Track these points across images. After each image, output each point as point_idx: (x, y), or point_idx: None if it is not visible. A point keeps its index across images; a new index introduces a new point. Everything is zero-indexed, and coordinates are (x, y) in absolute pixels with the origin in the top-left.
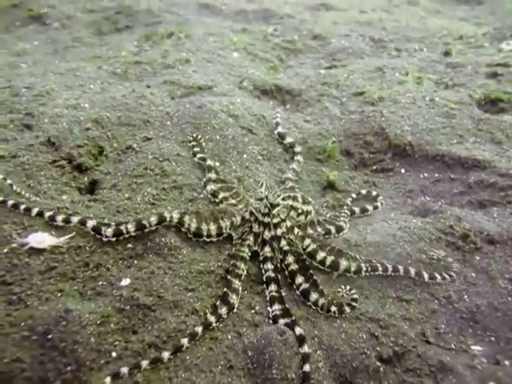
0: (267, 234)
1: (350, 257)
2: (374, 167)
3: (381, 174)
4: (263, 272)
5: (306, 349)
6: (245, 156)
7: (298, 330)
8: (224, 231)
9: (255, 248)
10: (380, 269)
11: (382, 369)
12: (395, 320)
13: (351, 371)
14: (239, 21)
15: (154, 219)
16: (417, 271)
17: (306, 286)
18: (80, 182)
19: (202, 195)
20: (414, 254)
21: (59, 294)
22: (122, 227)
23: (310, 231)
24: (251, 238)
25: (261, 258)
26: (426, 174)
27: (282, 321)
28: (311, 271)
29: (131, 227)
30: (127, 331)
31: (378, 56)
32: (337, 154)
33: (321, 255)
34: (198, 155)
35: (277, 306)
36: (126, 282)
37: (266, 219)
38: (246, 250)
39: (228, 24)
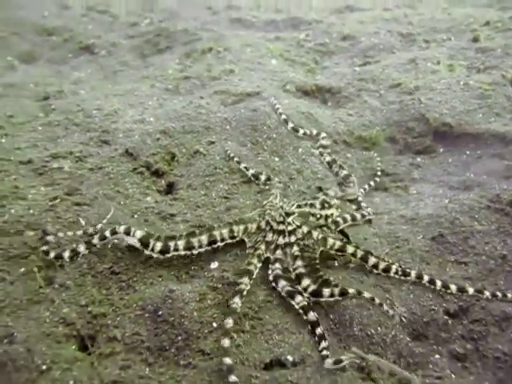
0: (281, 241)
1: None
2: (418, 149)
3: (425, 156)
4: (270, 272)
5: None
6: (300, 150)
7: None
8: (236, 235)
9: (267, 254)
10: (413, 275)
11: (450, 322)
12: (457, 280)
13: (423, 326)
14: (270, 30)
15: (158, 245)
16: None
17: (314, 286)
18: (159, 185)
19: (267, 187)
20: (467, 221)
21: (160, 279)
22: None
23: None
24: (263, 246)
25: (271, 260)
26: (467, 152)
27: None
28: (321, 274)
29: (137, 239)
30: (222, 305)
31: (409, 49)
32: (381, 141)
33: (350, 249)
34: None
35: (299, 299)
36: (214, 265)
37: (281, 227)
38: (256, 260)
39: (261, 34)
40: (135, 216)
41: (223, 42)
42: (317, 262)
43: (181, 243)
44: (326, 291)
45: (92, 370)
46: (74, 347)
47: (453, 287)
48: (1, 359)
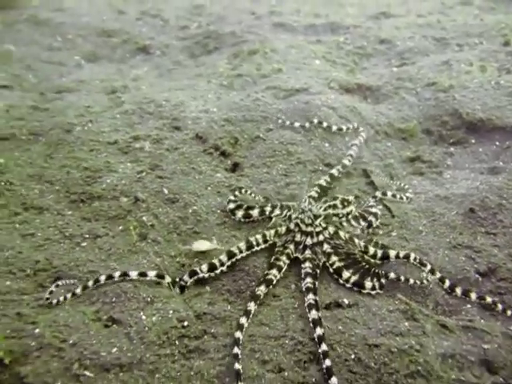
0: (309, 241)
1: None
2: (451, 141)
3: (458, 146)
4: (302, 271)
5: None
6: (346, 138)
7: (318, 330)
8: (269, 239)
9: (296, 255)
10: (428, 267)
11: (480, 279)
12: (486, 247)
13: (456, 282)
14: (311, 34)
15: (204, 267)
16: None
17: (355, 277)
18: (225, 164)
19: (321, 168)
20: (496, 199)
21: (234, 239)
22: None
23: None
24: (292, 246)
25: (301, 259)
26: (497, 143)
27: (314, 312)
28: (362, 265)
29: (187, 278)
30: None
31: (443, 52)
32: (418, 132)
33: (371, 250)
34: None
35: (311, 296)
36: None
37: (309, 229)
38: (284, 258)
39: (303, 38)
40: (208, 188)
41: (269, 43)
42: (356, 256)
43: (223, 257)
44: (368, 284)
45: (185, 304)
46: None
47: (458, 290)
48: (116, 291)
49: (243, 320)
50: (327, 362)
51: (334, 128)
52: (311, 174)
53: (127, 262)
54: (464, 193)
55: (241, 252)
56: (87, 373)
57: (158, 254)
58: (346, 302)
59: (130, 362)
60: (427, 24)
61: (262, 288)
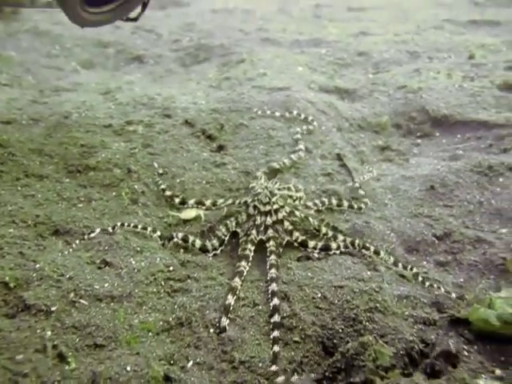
0: (269, 220)
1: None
2: (418, 134)
3: (424, 138)
4: (267, 249)
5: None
6: (323, 128)
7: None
8: (231, 229)
9: (259, 237)
10: (371, 249)
11: (436, 241)
12: (443, 216)
13: (415, 243)
14: (295, 48)
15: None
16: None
17: (320, 244)
18: (211, 146)
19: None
20: (454, 178)
21: None
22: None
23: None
24: (254, 231)
25: (265, 240)
26: (458, 135)
27: (274, 284)
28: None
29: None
30: None
31: (414, 63)
32: (389, 126)
33: (324, 229)
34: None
35: (273, 270)
36: None
37: (267, 207)
38: (249, 246)
39: (287, 50)
40: (195, 164)
41: (255, 54)
42: (315, 232)
43: (198, 243)
44: (334, 245)
45: (171, 254)
46: (157, 241)
47: (400, 265)
48: (109, 242)
49: (223, 321)
50: (275, 333)
51: (310, 118)
52: (289, 154)
53: (119, 220)
54: (426, 173)
55: (215, 249)
56: (82, 301)
57: (148, 215)
58: (316, 255)
59: (120, 295)
60: (402, 41)
61: (237, 279)
